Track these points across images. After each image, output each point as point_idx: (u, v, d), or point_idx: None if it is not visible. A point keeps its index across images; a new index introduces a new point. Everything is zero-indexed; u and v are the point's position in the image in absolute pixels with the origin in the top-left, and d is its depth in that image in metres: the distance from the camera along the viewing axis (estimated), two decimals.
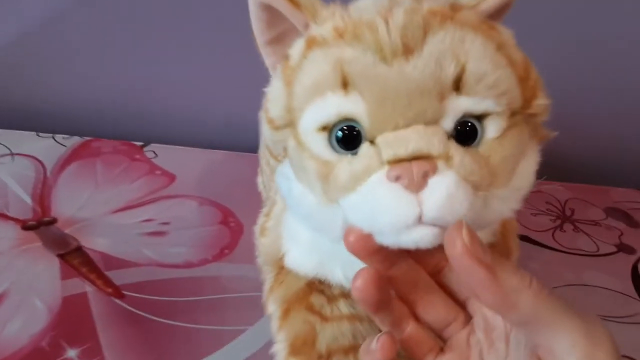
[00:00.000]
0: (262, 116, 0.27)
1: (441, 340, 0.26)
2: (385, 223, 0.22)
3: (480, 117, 0.23)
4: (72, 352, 0.38)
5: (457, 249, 0.21)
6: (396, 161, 0.22)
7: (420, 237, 0.22)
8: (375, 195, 0.22)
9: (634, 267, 0.54)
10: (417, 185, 0.21)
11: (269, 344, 0.40)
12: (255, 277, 0.46)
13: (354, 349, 0.32)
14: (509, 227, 0.36)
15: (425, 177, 0.21)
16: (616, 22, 0.65)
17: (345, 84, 0.22)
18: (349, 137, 0.23)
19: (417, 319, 0.26)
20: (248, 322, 0.41)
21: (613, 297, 0.49)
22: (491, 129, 0.23)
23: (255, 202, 0.45)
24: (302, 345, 0.33)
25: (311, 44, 0.24)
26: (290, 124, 0.25)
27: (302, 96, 0.24)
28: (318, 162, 0.24)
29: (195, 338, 0.40)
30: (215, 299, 0.44)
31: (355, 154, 0.23)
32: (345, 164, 0.23)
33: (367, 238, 0.23)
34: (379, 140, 0.22)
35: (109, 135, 0.67)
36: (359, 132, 0.23)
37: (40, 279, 0.44)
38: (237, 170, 0.61)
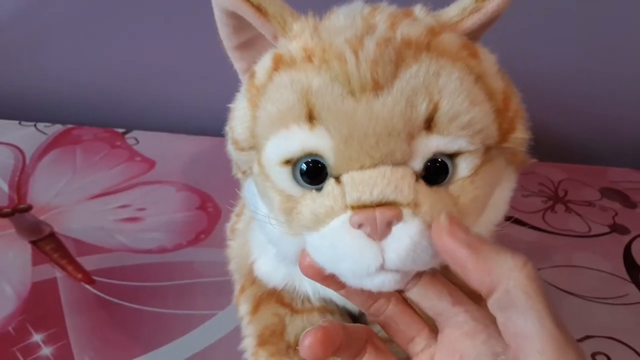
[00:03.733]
0: (227, 133, 0.26)
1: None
2: (347, 269, 0.21)
3: (452, 156, 0.21)
4: (37, 337, 0.37)
5: (438, 232, 0.20)
6: (360, 207, 0.21)
7: (381, 283, 0.21)
8: (338, 240, 0.21)
9: (627, 248, 0.52)
10: (380, 234, 0.20)
11: (237, 329, 0.39)
12: (227, 262, 0.45)
13: None
14: None
15: (389, 225, 0.20)
16: (614, 3, 0.62)
17: (311, 117, 0.21)
18: (313, 171, 0.22)
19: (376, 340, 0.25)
20: (218, 306, 0.41)
21: (603, 278, 0.47)
22: (463, 167, 0.22)
23: (234, 187, 0.44)
24: (270, 336, 0.32)
25: (278, 63, 0.23)
26: (254, 147, 0.24)
27: (267, 124, 0.22)
28: (282, 196, 0.23)
29: (163, 322, 0.39)
30: (186, 284, 0.43)
31: (320, 189, 0.22)
32: (309, 200, 0.22)
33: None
34: (345, 178, 0.21)
35: (93, 122, 0.67)
36: (324, 166, 0.22)
37: (11, 265, 0.43)
38: (218, 156, 0.59)
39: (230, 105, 0.26)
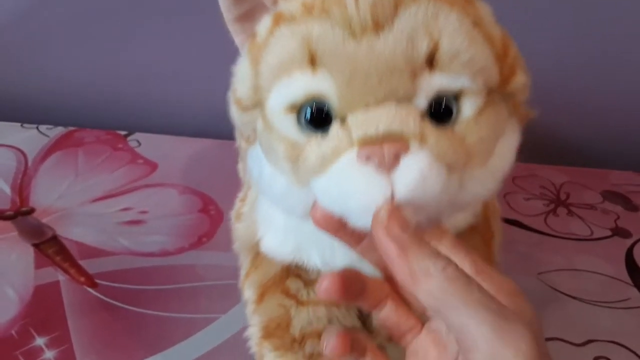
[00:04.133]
0: (230, 97, 0.26)
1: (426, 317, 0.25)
2: (356, 206, 0.21)
3: (456, 96, 0.22)
4: (40, 340, 0.37)
5: (375, 224, 0.20)
6: (367, 141, 0.21)
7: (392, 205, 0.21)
8: (345, 177, 0.21)
9: (629, 251, 0.52)
10: (388, 166, 0.20)
11: (241, 332, 0.39)
12: (230, 265, 0.45)
13: None
14: (491, 210, 0.35)
15: (397, 157, 0.20)
16: (617, 6, 0.62)
17: (313, 62, 0.21)
18: (318, 117, 0.22)
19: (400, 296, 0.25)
20: (221, 310, 0.41)
21: (604, 282, 0.47)
22: (467, 108, 0.22)
23: (236, 189, 0.44)
24: (275, 329, 0.32)
25: (278, 20, 0.23)
26: (258, 104, 0.24)
27: (269, 75, 0.23)
28: (287, 144, 0.23)
29: (165, 326, 0.39)
30: (189, 287, 0.43)
31: (325, 134, 0.22)
32: (315, 145, 0.22)
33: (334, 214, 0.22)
34: (350, 119, 0.21)
35: (95, 125, 0.67)
36: (328, 112, 0.22)
37: (13, 268, 0.43)
38: (220, 158, 0.60)
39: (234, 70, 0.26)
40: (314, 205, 0.23)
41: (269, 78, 0.23)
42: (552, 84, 0.67)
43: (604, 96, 0.69)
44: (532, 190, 0.62)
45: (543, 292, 0.45)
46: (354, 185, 0.21)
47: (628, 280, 0.48)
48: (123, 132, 0.65)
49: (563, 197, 0.61)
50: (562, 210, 0.58)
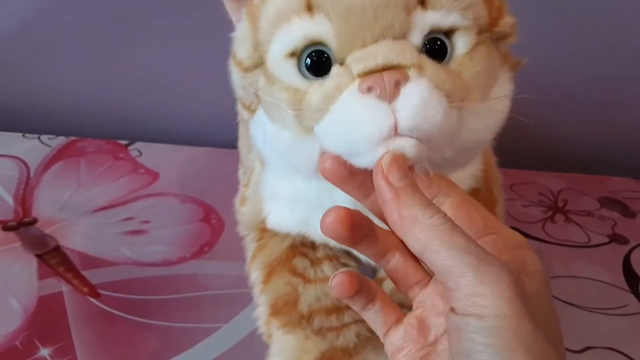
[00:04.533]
0: (231, 62, 0.27)
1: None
2: (361, 136, 0.21)
3: (448, 34, 0.23)
4: (44, 351, 0.37)
5: (377, 166, 0.21)
6: (367, 73, 0.21)
7: (397, 149, 0.21)
8: (349, 109, 0.22)
9: (626, 258, 0.52)
10: (389, 95, 0.21)
11: (243, 341, 0.40)
12: (232, 274, 0.46)
13: (336, 310, 0.32)
14: (492, 177, 0.36)
15: (397, 85, 0.21)
16: (616, 10, 0.63)
17: (309, 7, 0.22)
18: (318, 63, 0.23)
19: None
20: (223, 319, 0.41)
21: (602, 289, 0.48)
22: (460, 44, 0.23)
23: None
24: (283, 306, 0.32)
25: None
26: (258, 64, 0.25)
27: (269, 26, 0.24)
28: (289, 91, 0.23)
29: (168, 336, 0.39)
30: (191, 297, 0.43)
31: (326, 79, 0.23)
32: (317, 87, 0.23)
33: (343, 162, 0.22)
34: (349, 59, 0.22)
35: (97, 134, 0.67)
36: (328, 58, 0.23)
37: (17, 279, 0.44)
38: (221, 167, 0.61)
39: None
40: (322, 154, 0.23)
41: (269, 29, 0.24)
42: (550, 91, 0.68)
43: (601, 103, 0.70)
44: (530, 197, 0.62)
45: None
46: (357, 116, 0.21)
47: (625, 287, 0.48)
48: (124, 142, 0.66)
49: (561, 204, 0.62)
50: (559, 217, 0.59)
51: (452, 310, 0.19)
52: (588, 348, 0.41)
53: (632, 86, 0.69)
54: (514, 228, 0.56)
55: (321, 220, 0.22)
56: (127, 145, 0.65)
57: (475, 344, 0.18)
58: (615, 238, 0.56)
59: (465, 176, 0.32)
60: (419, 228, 0.20)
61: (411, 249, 0.21)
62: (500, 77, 0.26)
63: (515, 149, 0.56)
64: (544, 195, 0.63)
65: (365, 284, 0.24)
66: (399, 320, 0.24)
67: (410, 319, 0.23)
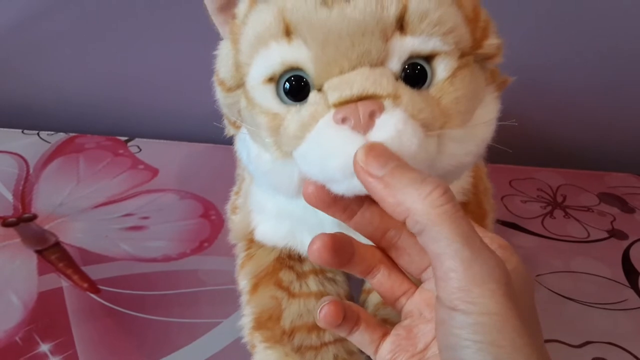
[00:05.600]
0: (214, 80, 0.27)
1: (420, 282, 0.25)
2: (335, 167, 0.21)
3: (429, 58, 0.22)
4: (44, 347, 0.37)
5: (356, 167, 0.21)
6: (342, 103, 0.21)
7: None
8: (323, 139, 0.22)
9: (625, 253, 0.52)
10: (364, 126, 0.21)
11: (242, 337, 0.40)
12: (231, 270, 0.46)
13: (317, 328, 0.32)
14: (482, 189, 0.36)
15: (372, 116, 0.21)
16: (615, 9, 0.63)
17: (288, 32, 0.22)
18: (297, 88, 0.23)
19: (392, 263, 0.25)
20: (222, 315, 0.41)
21: (602, 284, 0.48)
22: (441, 70, 0.22)
23: None
24: (267, 320, 0.33)
25: (255, 1, 0.24)
26: (240, 84, 0.25)
27: (248, 49, 0.24)
28: (268, 116, 0.23)
29: (168, 331, 0.39)
30: (191, 292, 0.43)
31: (304, 104, 0.23)
32: (294, 114, 0.23)
33: (325, 188, 0.22)
34: (326, 86, 0.22)
35: (96, 130, 0.67)
36: (306, 83, 0.23)
37: (17, 275, 0.44)
38: (221, 163, 0.60)
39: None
40: (306, 182, 0.23)
41: (249, 52, 0.24)
42: (549, 86, 0.68)
43: (600, 99, 0.70)
44: (529, 193, 0.62)
45: (541, 295, 0.45)
46: (331, 146, 0.21)
47: (625, 282, 0.48)
48: (123, 138, 0.66)
49: (560, 199, 0.62)
50: (559, 213, 0.59)
51: (438, 299, 0.19)
52: (587, 342, 0.41)
53: (631, 83, 0.69)
54: (513, 224, 0.56)
55: (308, 248, 0.22)
56: (126, 142, 0.65)
57: (460, 339, 0.18)
58: (615, 233, 0.56)
59: (453, 191, 0.31)
60: (418, 208, 0.19)
61: (411, 230, 0.20)
62: (486, 98, 0.25)
63: (514, 144, 0.57)
64: (543, 190, 0.63)
65: (348, 308, 0.24)
66: (385, 335, 0.24)
67: (398, 330, 0.24)
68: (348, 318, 0.24)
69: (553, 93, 0.68)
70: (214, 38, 0.27)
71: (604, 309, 0.45)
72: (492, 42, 0.24)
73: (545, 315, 0.43)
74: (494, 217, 0.38)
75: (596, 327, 0.43)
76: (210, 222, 0.52)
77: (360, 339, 0.24)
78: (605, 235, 0.55)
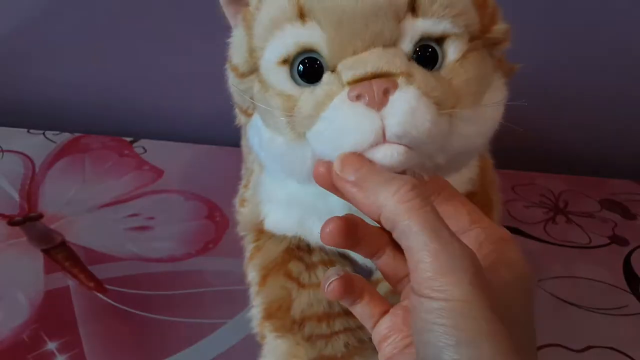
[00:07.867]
0: (227, 67, 0.28)
1: None
2: (349, 143, 0.22)
3: (440, 40, 0.23)
4: (51, 345, 0.38)
5: (334, 176, 0.21)
6: (356, 81, 0.22)
7: (385, 156, 0.21)
8: (338, 116, 0.22)
9: (626, 259, 0.53)
10: (378, 102, 0.21)
11: (248, 337, 0.40)
12: (236, 270, 0.46)
13: (327, 317, 0.33)
14: (488, 180, 0.36)
15: (386, 93, 0.21)
16: (616, 14, 0.64)
17: (302, 15, 0.23)
18: (310, 70, 0.23)
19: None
20: (228, 315, 0.41)
21: (603, 289, 0.48)
22: (451, 52, 0.23)
23: None
24: (277, 310, 0.33)
25: None
26: (253, 69, 0.25)
27: (263, 34, 0.24)
28: (282, 97, 0.24)
29: (173, 331, 0.40)
30: (196, 293, 0.44)
31: (318, 85, 0.23)
32: (308, 94, 0.23)
33: None
34: (340, 66, 0.22)
35: (101, 131, 0.67)
36: (320, 65, 0.23)
37: (23, 274, 0.44)
38: (225, 165, 0.61)
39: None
40: (317, 162, 0.24)
41: (263, 35, 0.24)
42: (551, 92, 0.68)
43: (603, 105, 0.70)
44: (532, 198, 0.63)
45: (543, 300, 0.46)
46: (346, 123, 0.22)
47: (626, 287, 0.49)
48: (128, 139, 0.66)
49: (562, 205, 0.62)
50: (561, 218, 0.59)
51: (411, 288, 0.20)
52: (589, 347, 0.41)
53: (634, 89, 0.69)
54: (515, 229, 0.56)
55: (321, 231, 0.23)
56: (131, 142, 0.66)
57: (427, 323, 0.19)
58: (616, 239, 0.56)
59: (461, 180, 0.32)
60: (388, 207, 0.20)
61: (386, 228, 0.21)
62: (494, 83, 0.26)
63: (517, 150, 0.57)
64: (545, 196, 0.64)
65: (354, 280, 0.25)
66: (386, 312, 0.24)
67: (397, 309, 0.24)
68: (353, 290, 0.25)
69: (556, 99, 0.68)
70: (221, 40, 0.28)
71: (605, 314, 0.45)
72: (500, 27, 0.25)
73: (547, 319, 0.44)
74: (501, 209, 0.38)
75: (597, 332, 0.43)
76: (215, 223, 0.53)
77: (361, 311, 0.25)
78: (607, 241, 0.56)
